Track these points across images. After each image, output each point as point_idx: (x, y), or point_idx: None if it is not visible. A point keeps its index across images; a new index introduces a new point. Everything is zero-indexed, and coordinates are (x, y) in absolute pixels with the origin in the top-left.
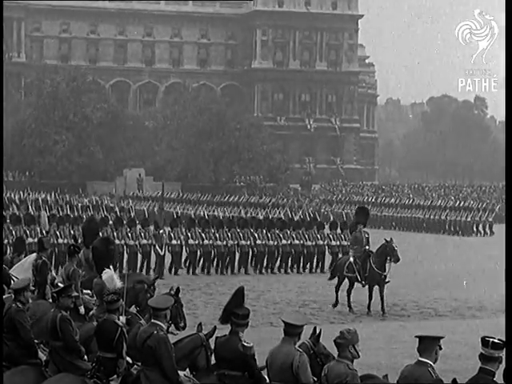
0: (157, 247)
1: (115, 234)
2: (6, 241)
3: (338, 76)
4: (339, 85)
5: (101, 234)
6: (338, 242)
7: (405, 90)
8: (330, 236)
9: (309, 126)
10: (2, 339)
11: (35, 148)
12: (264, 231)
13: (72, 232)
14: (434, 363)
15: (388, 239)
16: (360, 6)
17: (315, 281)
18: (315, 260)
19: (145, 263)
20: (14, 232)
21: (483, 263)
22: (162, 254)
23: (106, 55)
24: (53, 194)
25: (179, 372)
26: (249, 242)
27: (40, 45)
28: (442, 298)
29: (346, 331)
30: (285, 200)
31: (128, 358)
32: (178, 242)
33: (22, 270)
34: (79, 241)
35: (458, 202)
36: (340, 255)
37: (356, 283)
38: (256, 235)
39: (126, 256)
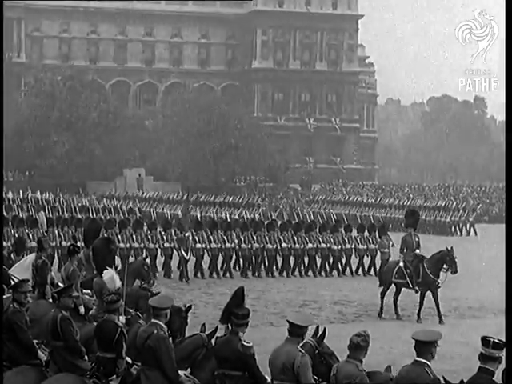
0: (182, 251)
1: (134, 236)
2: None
3: (338, 76)
4: (339, 85)
5: (120, 236)
6: (366, 246)
7: (405, 90)
8: (358, 239)
9: (309, 126)
10: (2, 339)
11: (35, 148)
12: (289, 234)
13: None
14: (430, 361)
15: (449, 248)
16: (360, 6)
17: (315, 281)
18: (350, 263)
19: (165, 267)
20: (30, 235)
21: (479, 263)
22: (187, 257)
23: (106, 55)
24: (55, 195)
25: (179, 372)
26: (275, 246)
27: (40, 45)
28: (442, 298)
29: (366, 334)
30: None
31: (128, 358)
32: (203, 245)
33: (21, 270)
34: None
35: (437, 202)
36: (366, 258)
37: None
38: (281, 238)
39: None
